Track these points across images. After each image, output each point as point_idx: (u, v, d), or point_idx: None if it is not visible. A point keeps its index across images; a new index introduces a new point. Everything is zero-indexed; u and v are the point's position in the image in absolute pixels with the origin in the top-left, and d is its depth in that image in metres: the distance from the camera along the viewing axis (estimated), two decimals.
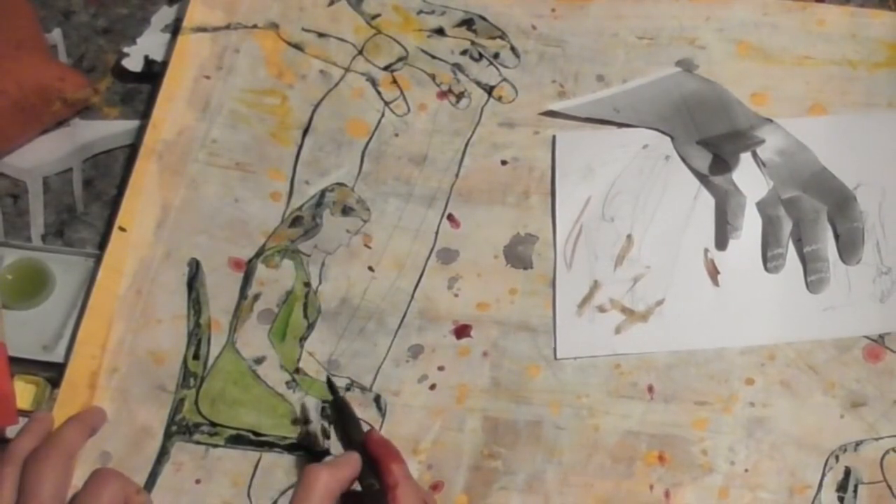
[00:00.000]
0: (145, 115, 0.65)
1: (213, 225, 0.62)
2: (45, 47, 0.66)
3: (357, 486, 0.51)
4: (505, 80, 0.66)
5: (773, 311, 0.59)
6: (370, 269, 0.61)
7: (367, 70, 0.66)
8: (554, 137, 0.64)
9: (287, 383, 0.58)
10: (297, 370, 0.58)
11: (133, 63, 0.67)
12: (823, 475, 0.55)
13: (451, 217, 0.62)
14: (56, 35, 0.69)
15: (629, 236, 0.61)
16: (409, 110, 0.65)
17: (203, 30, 0.67)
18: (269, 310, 0.60)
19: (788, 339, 0.58)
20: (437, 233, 0.62)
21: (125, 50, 0.67)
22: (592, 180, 0.62)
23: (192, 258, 0.61)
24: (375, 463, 0.51)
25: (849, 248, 0.59)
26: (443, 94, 0.65)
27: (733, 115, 0.63)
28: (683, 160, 0.62)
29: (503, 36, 0.67)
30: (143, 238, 0.61)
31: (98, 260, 0.61)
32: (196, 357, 0.59)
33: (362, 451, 0.52)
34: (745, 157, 0.61)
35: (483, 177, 0.63)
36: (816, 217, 0.60)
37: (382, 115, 0.65)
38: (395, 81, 0.66)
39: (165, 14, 0.69)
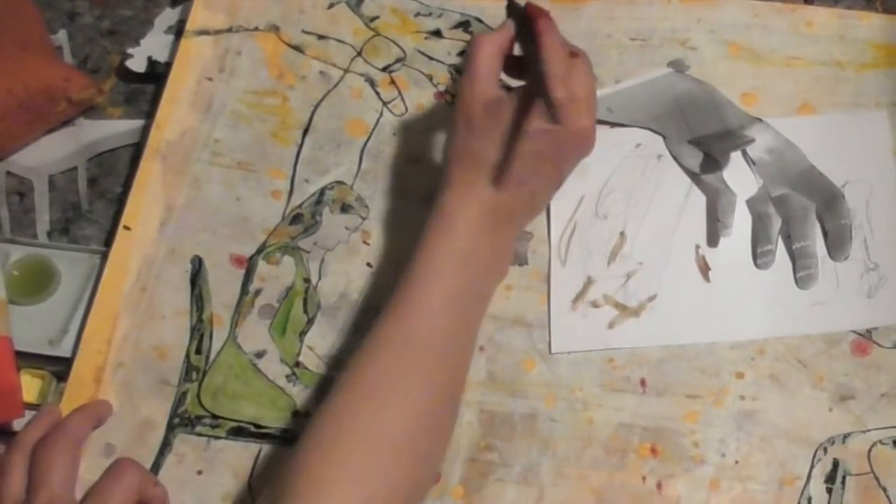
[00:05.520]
0: (149, 115, 0.66)
1: (215, 223, 0.63)
2: (50, 48, 0.67)
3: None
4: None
5: (762, 307, 0.59)
6: (368, 265, 0.62)
7: (365, 71, 0.67)
8: None
9: (287, 377, 0.59)
10: (297, 364, 0.59)
11: (137, 64, 0.67)
12: (812, 467, 0.55)
13: None
14: (61, 36, 0.69)
15: (622, 233, 0.61)
16: (406, 110, 0.66)
17: (205, 32, 0.67)
18: (269, 305, 0.61)
19: (778, 333, 0.58)
20: None
21: (129, 51, 0.67)
22: (586, 179, 0.62)
23: (194, 255, 0.62)
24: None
25: (837, 244, 0.60)
26: (440, 95, 0.66)
27: (724, 114, 0.63)
28: (675, 159, 0.63)
29: None
30: (148, 236, 0.62)
31: (103, 257, 0.61)
32: (198, 351, 0.59)
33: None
34: (736, 156, 0.62)
35: None
36: (805, 214, 0.60)
37: (381, 114, 0.65)
38: (393, 82, 0.66)
39: (168, 16, 0.69)
